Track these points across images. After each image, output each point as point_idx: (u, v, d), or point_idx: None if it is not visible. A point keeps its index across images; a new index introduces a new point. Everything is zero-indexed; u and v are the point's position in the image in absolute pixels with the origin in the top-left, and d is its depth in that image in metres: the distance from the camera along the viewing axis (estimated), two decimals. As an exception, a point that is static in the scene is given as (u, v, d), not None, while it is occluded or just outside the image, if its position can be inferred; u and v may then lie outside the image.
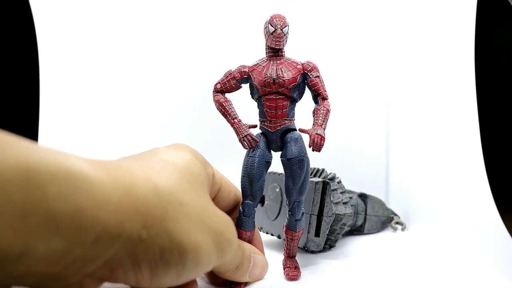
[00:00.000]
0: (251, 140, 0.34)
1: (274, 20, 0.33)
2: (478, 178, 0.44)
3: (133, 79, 0.65)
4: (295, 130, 0.35)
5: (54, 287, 0.23)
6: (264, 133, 0.35)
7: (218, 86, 0.35)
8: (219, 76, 0.36)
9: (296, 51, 0.38)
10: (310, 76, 0.35)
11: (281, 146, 0.35)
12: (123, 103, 0.65)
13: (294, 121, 0.35)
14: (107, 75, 0.64)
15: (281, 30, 0.33)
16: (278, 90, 0.34)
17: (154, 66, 0.66)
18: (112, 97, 0.64)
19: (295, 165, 0.34)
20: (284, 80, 0.34)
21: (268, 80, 0.34)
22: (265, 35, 0.34)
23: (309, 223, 0.41)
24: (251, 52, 0.40)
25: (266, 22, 0.34)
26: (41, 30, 0.59)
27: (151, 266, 0.24)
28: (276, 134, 0.35)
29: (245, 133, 0.34)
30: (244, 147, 0.35)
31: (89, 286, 0.24)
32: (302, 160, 0.34)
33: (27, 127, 0.58)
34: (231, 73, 0.35)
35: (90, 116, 0.63)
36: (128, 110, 0.65)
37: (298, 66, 0.35)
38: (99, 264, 0.23)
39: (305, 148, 0.34)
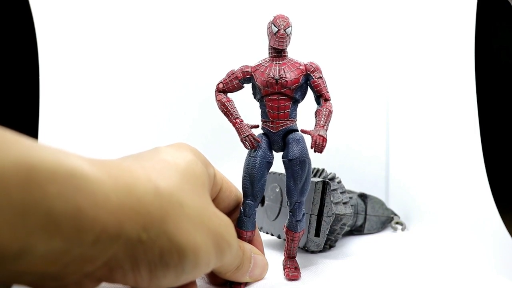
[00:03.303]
0: (253, 140, 0.34)
1: (277, 21, 0.33)
2: (478, 178, 0.44)
3: (133, 78, 0.65)
4: (297, 131, 0.35)
5: (52, 286, 0.23)
6: (266, 134, 0.35)
7: (221, 85, 0.35)
8: (221, 75, 0.36)
9: (299, 51, 0.38)
10: (313, 77, 0.34)
11: (283, 146, 0.35)
12: (124, 102, 0.65)
13: (296, 122, 0.35)
14: (107, 74, 0.64)
15: (284, 30, 0.33)
16: (281, 91, 0.34)
17: (155, 66, 0.66)
18: (112, 96, 0.64)
19: (297, 166, 0.34)
20: (286, 81, 0.34)
21: (271, 81, 0.34)
22: (268, 36, 0.34)
23: (309, 223, 0.41)
24: (254, 52, 0.40)
25: (269, 23, 0.34)
26: (41, 30, 0.59)
27: (150, 267, 0.24)
28: (278, 135, 0.35)
29: (247, 133, 0.34)
30: (246, 147, 0.35)
31: (87, 286, 0.24)
32: (303, 161, 0.34)
33: (27, 125, 0.58)
34: (233, 73, 0.35)
35: (90, 115, 0.63)
36: (128, 109, 0.65)
37: (301, 67, 0.34)
38: (98, 264, 0.23)
39: (306, 149, 0.34)
